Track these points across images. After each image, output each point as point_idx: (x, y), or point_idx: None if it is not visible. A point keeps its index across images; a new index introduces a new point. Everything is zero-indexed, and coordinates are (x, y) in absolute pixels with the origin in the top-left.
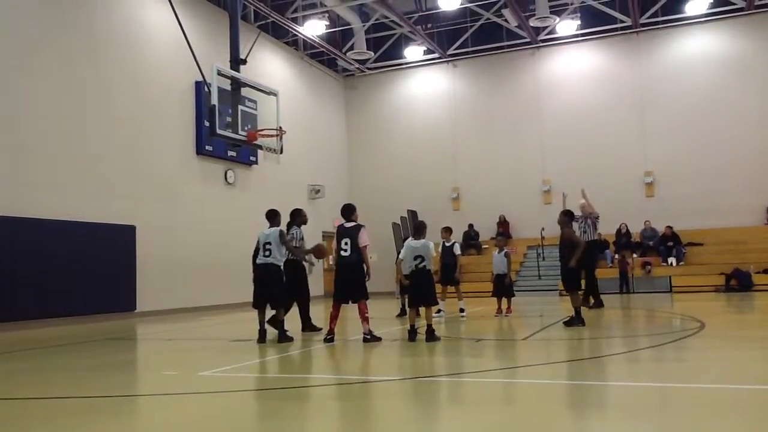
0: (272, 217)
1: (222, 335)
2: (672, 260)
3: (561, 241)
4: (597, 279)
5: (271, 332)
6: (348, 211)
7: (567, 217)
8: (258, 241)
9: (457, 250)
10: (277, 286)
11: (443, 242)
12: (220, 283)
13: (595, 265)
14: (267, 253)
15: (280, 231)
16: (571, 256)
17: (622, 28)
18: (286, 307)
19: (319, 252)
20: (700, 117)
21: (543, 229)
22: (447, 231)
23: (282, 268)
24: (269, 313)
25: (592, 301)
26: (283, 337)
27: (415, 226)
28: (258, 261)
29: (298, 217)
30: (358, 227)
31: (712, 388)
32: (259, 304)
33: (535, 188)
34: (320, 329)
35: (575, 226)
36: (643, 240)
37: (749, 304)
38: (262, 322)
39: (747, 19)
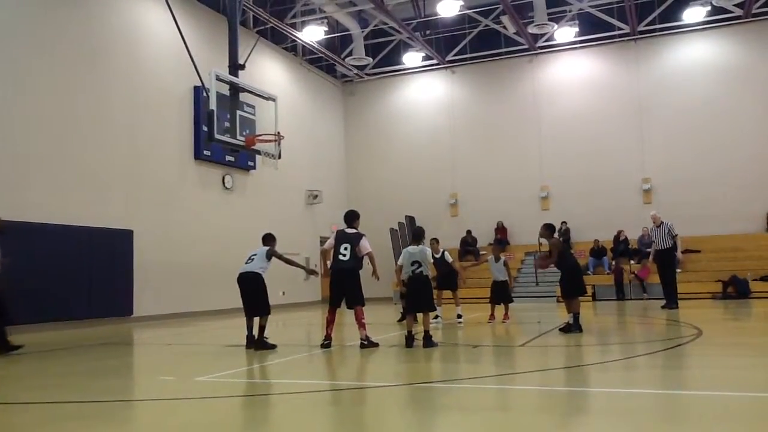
0: (266, 239)
1: (219, 340)
2: None
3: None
4: (677, 281)
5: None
6: (352, 217)
7: (549, 230)
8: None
9: (449, 258)
10: (258, 293)
11: (432, 254)
12: (217, 288)
13: (674, 268)
14: (249, 261)
15: (269, 249)
16: (557, 265)
17: (620, 36)
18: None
19: None
20: (697, 124)
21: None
22: (435, 242)
23: (262, 276)
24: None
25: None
26: (262, 345)
27: (413, 233)
28: (240, 270)
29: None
30: (360, 235)
31: (709, 395)
32: (246, 312)
33: (533, 195)
34: (20, 347)
35: (654, 233)
36: (641, 247)
37: (746, 311)
38: (250, 328)
39: (744, 27)
